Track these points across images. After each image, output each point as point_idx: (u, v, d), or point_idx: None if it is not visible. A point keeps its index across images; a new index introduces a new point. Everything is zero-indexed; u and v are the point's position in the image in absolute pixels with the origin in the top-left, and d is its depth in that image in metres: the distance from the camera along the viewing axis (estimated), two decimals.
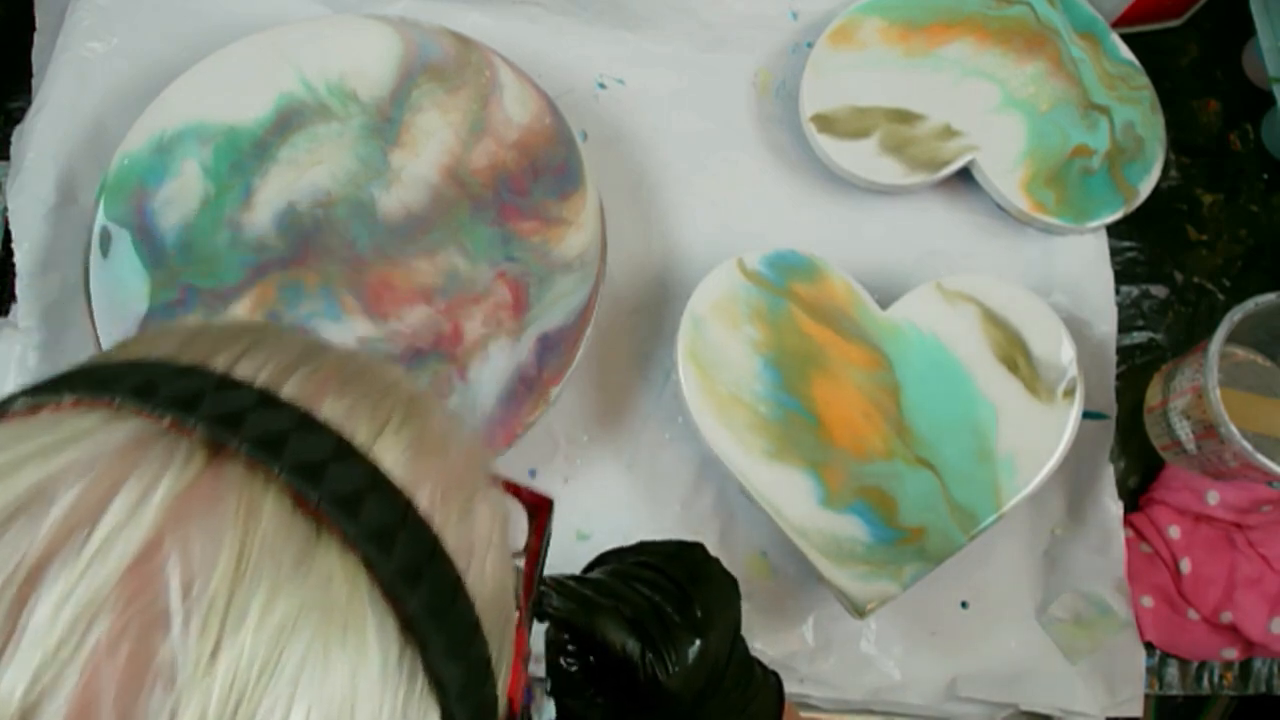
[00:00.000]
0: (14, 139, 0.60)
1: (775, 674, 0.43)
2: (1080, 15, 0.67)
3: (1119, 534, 0.58)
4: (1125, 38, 0.67)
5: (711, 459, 0.56)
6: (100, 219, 0.55)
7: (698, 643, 0.38)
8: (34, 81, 0.62)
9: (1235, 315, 0.57)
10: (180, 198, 0.56)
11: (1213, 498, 0.59)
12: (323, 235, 0.56)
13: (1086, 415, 0.59)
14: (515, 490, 0.30)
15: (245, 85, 0.58)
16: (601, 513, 0.58)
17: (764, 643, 0.56)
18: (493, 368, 0.54)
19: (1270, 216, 0.70)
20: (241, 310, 0.54)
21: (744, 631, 0.56)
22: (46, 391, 0.21)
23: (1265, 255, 0.69)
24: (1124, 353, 0.65)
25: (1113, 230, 0.65)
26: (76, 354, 0.56)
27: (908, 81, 0.64)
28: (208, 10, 0.63)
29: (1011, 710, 0.57)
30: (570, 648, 0.41)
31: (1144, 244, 0.68)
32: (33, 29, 0.63)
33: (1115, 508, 0.58)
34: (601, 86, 0.66)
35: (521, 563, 0.30)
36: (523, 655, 0.27)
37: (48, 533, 0.18)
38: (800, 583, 0.57)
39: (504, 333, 0.55)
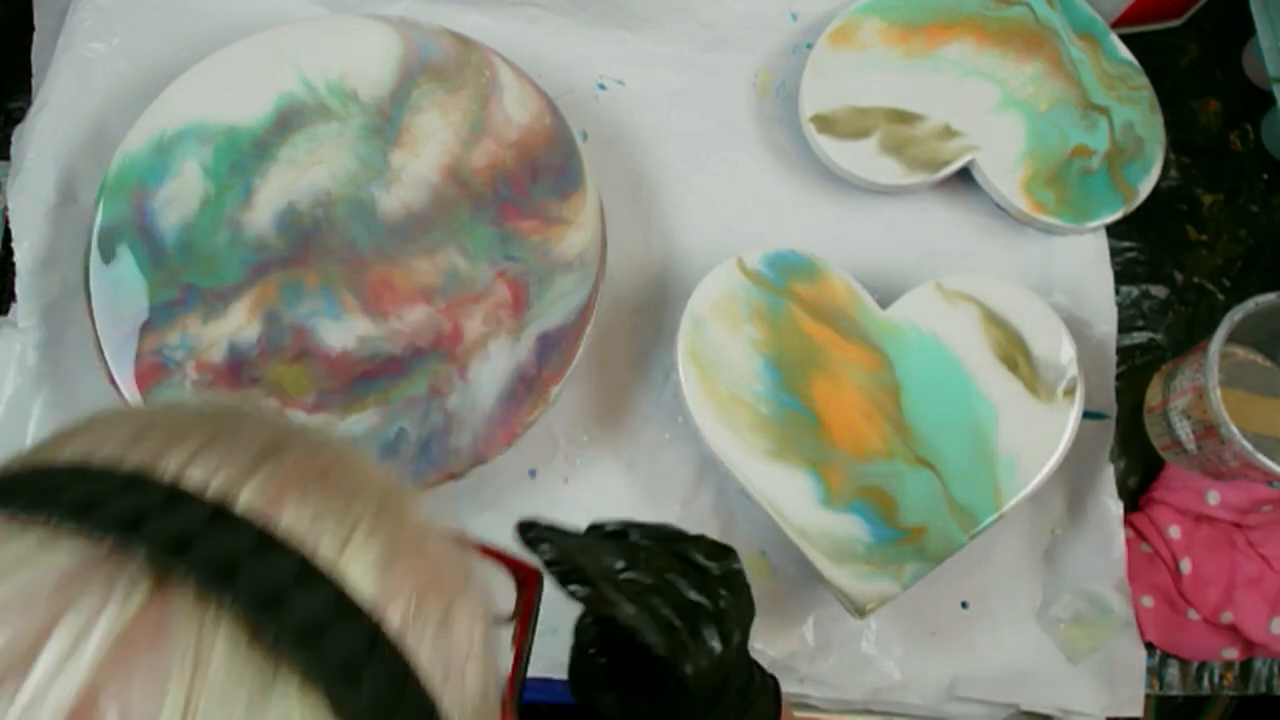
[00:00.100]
0: (14, 139, 0.60)
1: (773, 677, 0.43)
2: (1079, 16, 0.67)
3: (1119, 534, 0.58)
4: (1125, 38, 0.67)
5: (711, 459, 0.56)
6: (101, 221, 0.55)
7: (720, 641, 0.38)
8: (34, 81, 0.62)
9: (1235, 315, 0.57)
10: (180, 197, 0.56)
11: (1213, 498, 0.59)
12: (323, 235, 0.56)
13: (1086, 415, 0.59)
14: (501, 559, 0.29)
15: (245, 85, 0.58)
16: (601, 513, 0.57)
17: (764, 643, 0.56)
18: (493, 367, 0.54)
19: (1270, 216, 0.70)
20: (242, 309, 0.54)
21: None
22: None
23: (1265, 255, 0.69)
24: (1124, 353, 0.65)
25: (1113, 230, 0.65)
26: (76, 353, 0.56)
27: (907, 82, 0.64)
28: (208, 10, 0.64)
29: (1012, 710, 0.57)
30: (597, 635, 0.40)
31: (1144, 244, 0.68)
32: (33, 29, 0.63)
33: (1115, 508, 0.58)
34: (601, 87, 0.66)
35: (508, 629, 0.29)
36: None
37: None
38: (800, 583, 0.57)
39: (504, 332, 0.55)
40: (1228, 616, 0.57)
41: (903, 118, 0.64)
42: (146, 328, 0.53)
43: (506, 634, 0.30)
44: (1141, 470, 0.63)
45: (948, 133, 0.63)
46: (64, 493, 0.19)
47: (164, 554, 0.18)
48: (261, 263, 0.55)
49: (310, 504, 0.20)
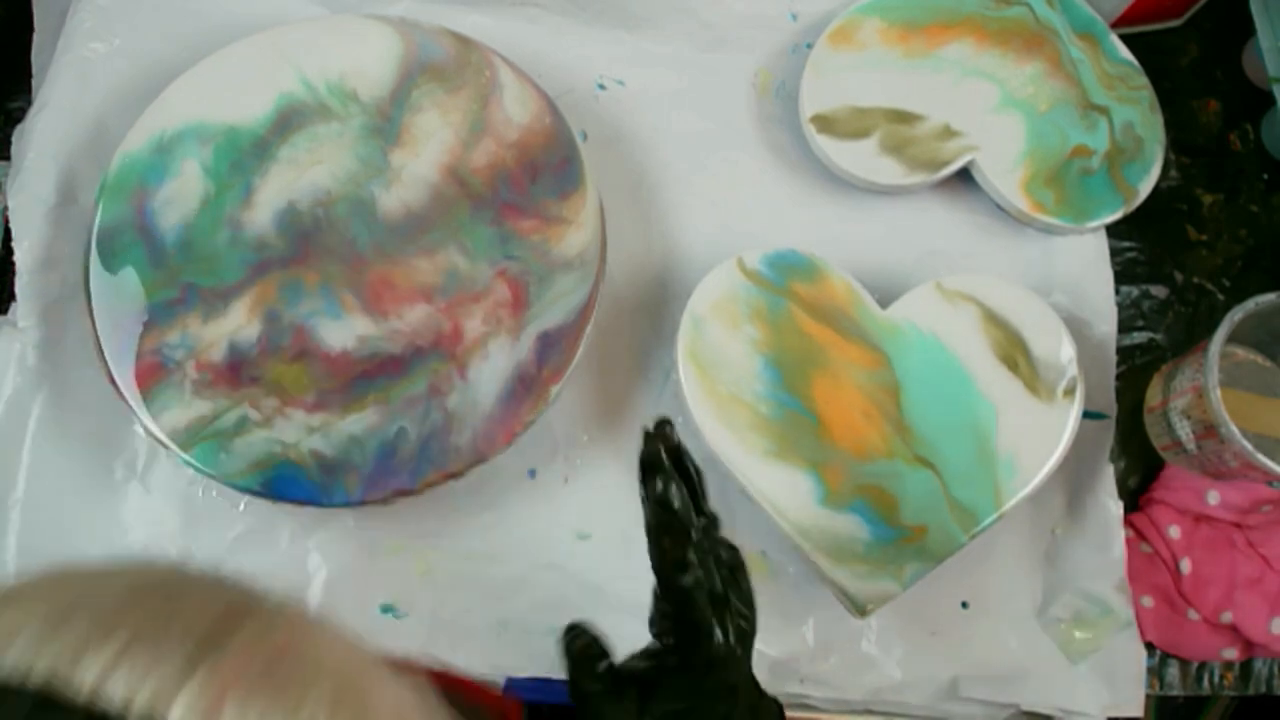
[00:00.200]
0: (14, 139, 0.60)
1: (776, 701, 0.43)
2: (1079, 16, 0.67)
3: (1119, 534, 0.58)
4: (1125, 38, 0.67)
5: (711, 459, 0.56)
6: (100, 221, 0.55)
7: (725, 636, 0.39)
8: (34, 81, 0.63)
9: (1235, 315, 0.57)
10: (180, 197, 0.56)
11: (1213, 498, 0.59)
12: (323, 234, 0.56)
13: (1086, 415, 0.59)
14: (484, 699, 0.28)
15: (245, 85, 0.58)
16: (601, 513, 0.58)
17: (764, 643, 0.56)
18: (493, 366, 0.54)
19: (1270, 216, 0.70)
20: (242, 308, 0.54)
21: None
22: None
23: (1265, 255, 0.69)
24: (1124, 353, 0.65)
25: (1113, 230, 0.65)
26: (76, 353, 0.56)
27: (907, 82, 0.64)
28: (208, 10, 0.64)
29: (1012, 710, 0.57)
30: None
31: (1144, 244, 0.68)
32: (33, 29, 0.63)
33: (1115, 508, 0.58)
34: (601, 87, 0.66)
35: None
36: None
37: None
38: (800, 583, 0.57)
39: (504, 331, 0.55)
40: (1228, 616, 0.57)
41: (903, 118, 0.64)
42: (146, 327, 0.53)
43: None
44: (1141, 470, 0.63)
45: (948, 133, 0.63)
46: None
47: None
48: (261, 262, 0.55)
49: (255, 708, 0.18)
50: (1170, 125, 0.67)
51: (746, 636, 0.40)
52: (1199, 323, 0.67)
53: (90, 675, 0.17)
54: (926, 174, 0.63)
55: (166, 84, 0.57)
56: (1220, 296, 0.68)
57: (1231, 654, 0.59)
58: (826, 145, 0.63)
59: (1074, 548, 0.59)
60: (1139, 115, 0.65)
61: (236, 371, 0.53)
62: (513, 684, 0.54)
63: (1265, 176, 0.70)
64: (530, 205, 0.57)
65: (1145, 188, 0.64)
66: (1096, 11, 0.67)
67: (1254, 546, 0.58)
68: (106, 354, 0.53)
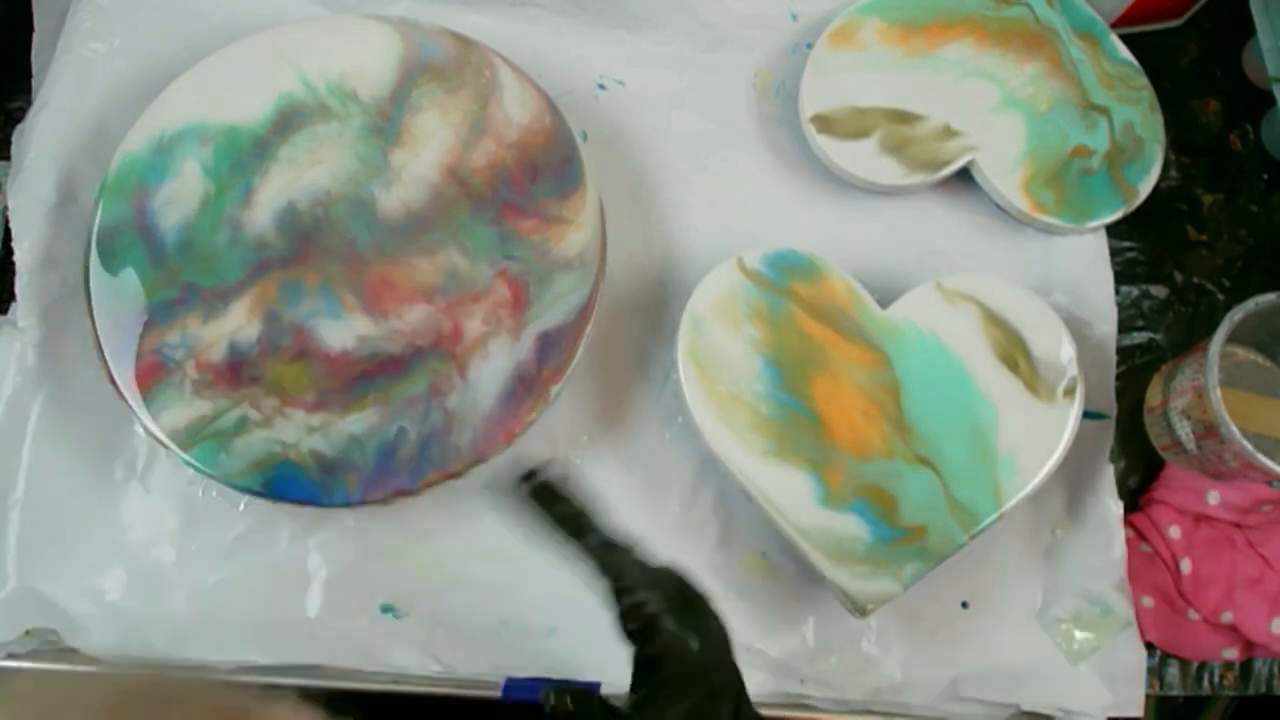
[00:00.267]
0: (14, 139, 0.60)
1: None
2: (1079, 16, 0.67)
3: (1119, 534, 0.58)
4: (1125, 38, 0.67)
5: (711, 459, 0.56)
6: (100, 221, 0.55)
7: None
8: (34, 82, 0.62)
9: (1235, 315, 0.57)
10: (180, 197, 0.56)
11: (1213, 498, 0.59)
12: (323, 234, 0.56)
13: (1086, 415, 0.59)
14: None
15: (245, 85, 0.58)
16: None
17: (764, 643, 0.56)
18: (493, 366, 0.54)
19: (1270, 216, 0.70)
20: (242, 308, 0.54)
21: (745, 632, 0.56)
22: None
23: (1265, 255, 0.69)
24: (1124, 353, 0.65)
25: (1113, 230, 0.65)
26: (76, 353, 0.56)
27: (907, 82, 0.64)
28: (208, 10, 0.64)
29: (1012, 710, 0.57)
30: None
31: (1144, 244, 0.68)
32: (33, 29, 0.63)
33: (1115, 507, 0.58)
34: (601, 87, 0.66)
35: None
36: None
37: None
38: (800, 583, 0.57)
39: (504, 331, 0.55)
40: (1228, 616, 0.57)
41: (903, 118, 0.64)
42: (146, 327, 0.53)
43: None
44: (1141, 470, 0.63)
45: (948, 133, 0.63)
46: None
47: None
48: (261, 262, 0.55)
49: None
50: (1170, 125, 0.67)
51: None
52: (1199, 323, 0.67)
53: None
54: (926, 174, 0.63)
55: (166, 84, 0.57)
56: (1220, 296, 0.68)
57: (1231, 654, 0.59)
58: (826, 145, 0.63)
59: (1074, 548, 0.59)
60: (1139, 115, 0.65)
61: (236, 371, 0.53)
62: (512, 684, 0.54)
63: (1265, 176, 0.70)
64: (530, 205, 0.57)
65: (1145, 188, 0.64)
66: (1096, 11, 0.67)
67: (1254, 546, 0.58)
68: (106, 354, 0.53)
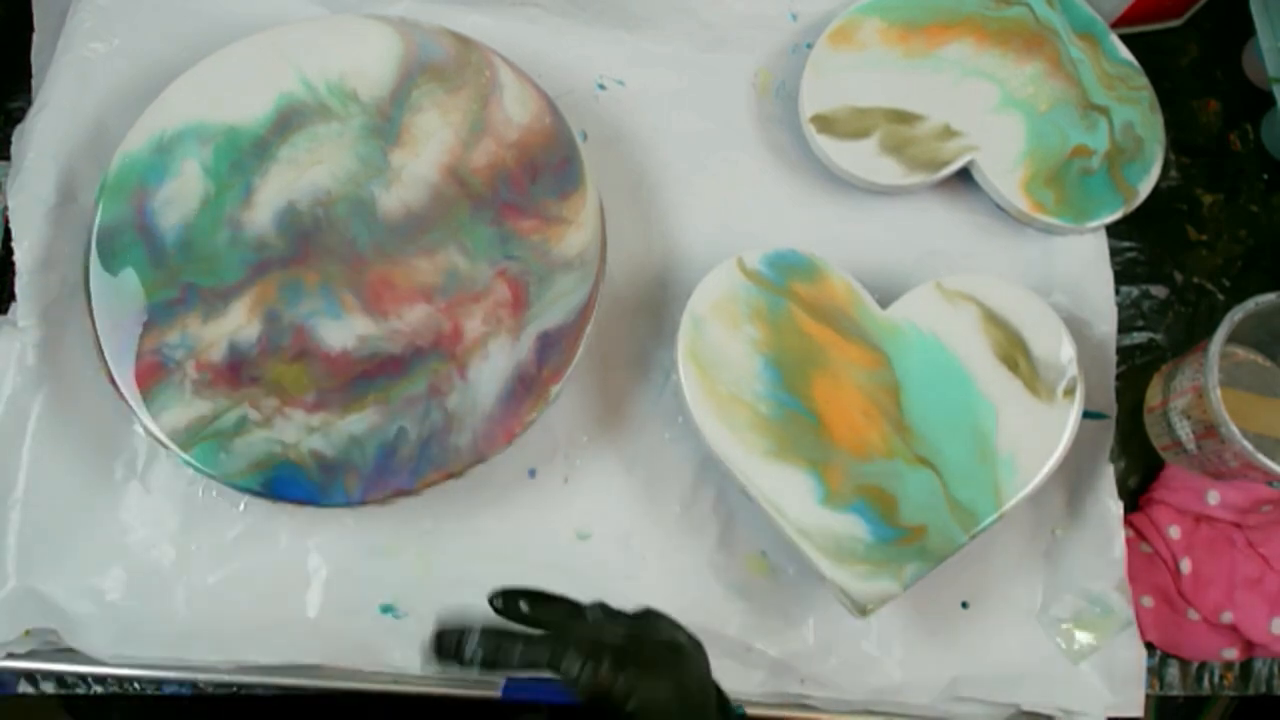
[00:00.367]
0: (14, 139, 0.60)
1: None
2: (1079, 16, 0.67)
3: (1119, 534, 0.58)
4: (1125, 38, 0.67)
5: (711, 459, 0.56)
6: (100, 221, 0.55)
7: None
8: (34, 82, 0.62)
9: (1235, 315, 0.57)
10: (180, 197, 0.56)
11: (1213, 498, 0.59)
12: (323, 234, 0.56)
13: (1086, 415, 0.59)
14: None
15: (245, 85, 0.58)
16: (601, 513, 0.58)
17: (764, 643, 0.56)
18: (493, 366, 0.54)
19: (1270, 216, 0.70)
20: (242, 308, 0.54)
21: (745, 632, 0.56)
22: None
23: (1265, 255, 0.69)
24: (1124, 353, 0.65)
25: (1113, 230, 0.65)
26: (76, 353, 0.56)
27: (907, 82, 0.64)
28: (208, 10, 0.64)
29: (1012, 710, 0.57)
30: None
31: (1144, 244, 0.68)
32: (33, 29, 0.63)
33: (1115, 507, 0.58)
34: (601, 87, 0.66)
35: None
36: None
37: None
38: (800, 583, 0.57)
39: (504, 331, 0.55)
40: (1228, 616, 0.57)
41: (903, 118, 0.64)
42: (146, 327, 0.53)
43: None
44: (1141, 470, 0.63)
45: (948, 133, 0.63)
46: None
47: None
48: (261, 262, 0.55)
49: None
50: (1170, 125, 0.67)
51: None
52: (1199, 323, 0.67)
53: None
54: (926, 174, 0.63)
55: (166, 84, 0.57)
56: (1220, 296, 0.68)
57: (1231, 654, 0.59)
58: (826, 145, 0.63)
59: (1074, 548, 0.59)
60: (1139, 115, 0.65)
61: (236, 371, 0.53)
62: (512, 684, 0.54)
63: (1265, 176, 0.70)
64: (530, 205, 0.57)
65: (1145, 188, 0.64)
66: (1096, 11, 0.67)
67: (1254, 546, 0.59)
68: (106, 354, 0.53)
